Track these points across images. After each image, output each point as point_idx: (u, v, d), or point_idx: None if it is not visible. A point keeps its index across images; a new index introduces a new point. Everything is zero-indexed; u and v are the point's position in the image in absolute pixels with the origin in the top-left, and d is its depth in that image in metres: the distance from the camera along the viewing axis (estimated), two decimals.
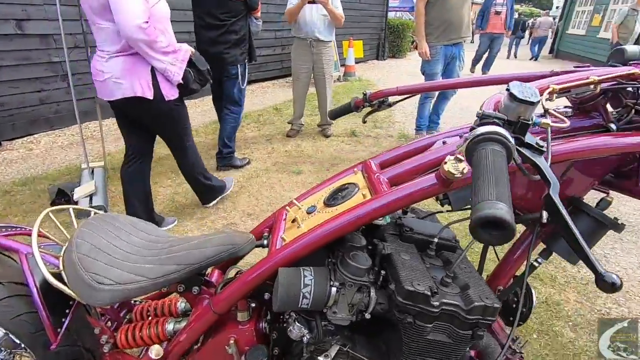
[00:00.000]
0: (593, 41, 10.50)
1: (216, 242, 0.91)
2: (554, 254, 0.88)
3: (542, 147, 0.56)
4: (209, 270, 1.11)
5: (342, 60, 7.20)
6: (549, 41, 13.04)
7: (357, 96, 1.15)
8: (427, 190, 0.75)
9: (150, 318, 1.05)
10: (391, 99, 1.13)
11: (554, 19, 15.15)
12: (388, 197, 0.77)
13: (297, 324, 0.86)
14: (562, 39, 12.69)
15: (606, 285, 0.47)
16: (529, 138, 0.56)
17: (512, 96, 0.55)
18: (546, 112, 0.62)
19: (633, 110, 0.82)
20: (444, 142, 0.93)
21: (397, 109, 4.93)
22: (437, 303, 0.72)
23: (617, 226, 0.79)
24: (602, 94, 0.81)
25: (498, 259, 1.03)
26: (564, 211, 0.51)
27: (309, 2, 3.22)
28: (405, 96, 1.10)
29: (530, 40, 13.44)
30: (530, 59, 12.00)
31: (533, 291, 0.96)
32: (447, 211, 1.10)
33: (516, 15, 9.49)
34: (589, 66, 0.88)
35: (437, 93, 3.62)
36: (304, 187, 2.76)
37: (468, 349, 0.83)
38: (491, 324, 0.75)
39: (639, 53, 0.84)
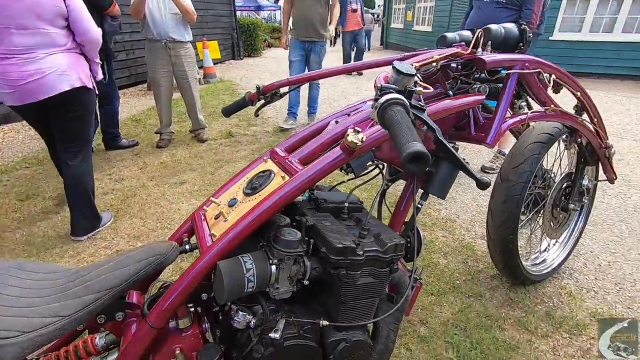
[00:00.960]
0: (410, 33, 12.80)
1: (138, 257, 0.86)
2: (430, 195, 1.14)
3: (423, 105, 0.75)
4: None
5: (199, 62, 6.92)
6: (375, 34, 15.43)
7: (249, 91, 1.20)
8: (336, 161, 0.88)
9: None
10: (282, 89, 1.22)
11: (375, 15, 18.55)
12: (304, 174, 0.87)
13: (241, 312, 0.89)
14: (388, 32, 15.04)
15: (482, 184, 0.71)
16: (413, 101, 0.74)
17: (398, 71, 0.71)
18: (416, 84, 0.82)
19: (459, 81, 1.12)
20: (336, 122, 1.08)
21: (266, 106, 5.06)
22: (361, 252, 0.87)
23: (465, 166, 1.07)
24: (439, 70, 1.08)
25: (390, 211, 1.26)
26: (449, 145, 0.72)
27: None
28: (295, 86, 1.21)
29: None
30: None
31: (420, 231, 1.22)
32: (342, 182, 1.27)
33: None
34: (427, 49, 1.15)
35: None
36: (192, 196, 2.64)
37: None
38: (400, 257, 0.94)
39: (456, 38, 1.15)
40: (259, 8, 20.05)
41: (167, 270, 1.82)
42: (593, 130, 1.39)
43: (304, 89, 4.35)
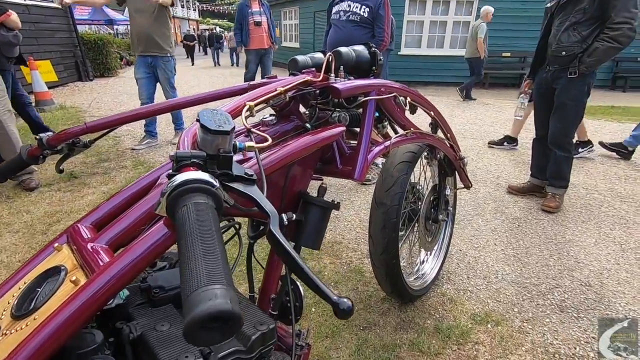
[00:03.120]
0: (280, 50, 13.10)
1: None
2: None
3: (252, 175, 0.54)
4: None
5: (28, 87, 5.57)
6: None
7: (29, 144, 0.83)
8: (160, 244, 0.61)
9: None
10: (88, 137, 0.88)
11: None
12: (112, 271, 0.58)
13: None
14: None
15: (342, 311, 0.45)
16: (236, 169, 0.53)
17: (204, 128, 0.49)
18: (249, 132, 0.61)
19: (317, 109, 0.98)
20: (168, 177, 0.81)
21: (124, 134, 4.33)
22: None
23: (336, 205, 0.93)
24: (291, 101, 0.92)
25: (263, 267, 1.04)
26: (286, 245, 0.48)
27: None
28: (104, 132, 0.89)
29: (229, 50, 16.71)
30: (232, 65, 14.81)
31: (299, 284, 1.03)
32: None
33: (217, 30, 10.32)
34: (275, 76, 0.98)
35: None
36: (9, 271, 1.95)
37: None
38: (273, 346, 0.73)
39: (308, 62, 1.01)
40: (110, 22, 17.77)
41: None
42: (448, 145, 1.44)
43: (158, 99, 3.93)
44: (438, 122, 1.37)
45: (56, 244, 0.71)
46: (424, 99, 1.23)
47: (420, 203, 1.60)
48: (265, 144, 0.59)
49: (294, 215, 0.90)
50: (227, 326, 0.31)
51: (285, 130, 0.93)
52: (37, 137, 0.81)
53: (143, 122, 3.87)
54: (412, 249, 1.71)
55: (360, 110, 1.03)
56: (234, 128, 0.51)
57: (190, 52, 16.54)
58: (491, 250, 2.15)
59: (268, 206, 0.51)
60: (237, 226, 0.84)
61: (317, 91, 0.96)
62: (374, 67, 1.05)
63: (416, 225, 1.61)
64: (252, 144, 0.56)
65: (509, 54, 9.11)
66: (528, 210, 2.65)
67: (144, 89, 3.76)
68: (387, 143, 1.06)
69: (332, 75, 0.94)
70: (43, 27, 7.31)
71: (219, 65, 15.44)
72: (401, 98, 1.09)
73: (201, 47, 22.53)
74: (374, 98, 0.97)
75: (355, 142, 0.99)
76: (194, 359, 0.59)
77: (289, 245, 0.47)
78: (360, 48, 1.06)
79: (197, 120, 0.50)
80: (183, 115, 4.23)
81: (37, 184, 2.95)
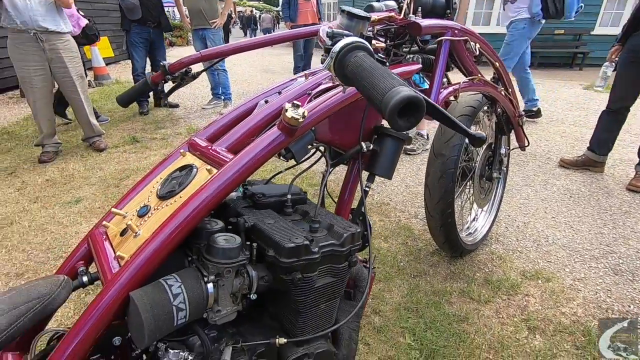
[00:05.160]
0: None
1: (4, 307, 0.59)
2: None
3: (384, 59, 0.63)
4: None
5: (88, 63, 5.99)
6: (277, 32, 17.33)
7: (152, 72, 0.97)
8: (275, 144, 0.73)
9: None
10: (195, 68, 1.01)
11: (277, 13, 21.19)
12: (237, 164, 0.70)
13: (172, 350, 0.68)
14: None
15: (477, 140, 0.61)
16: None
17: (350, 15, 0.58)
18: (369, 38, 0.70)
19: (391, 52, 1.05)
20: (266, 102, 0.92)
21: (175, 109, 4.61)
22: (316, 249, 0.73)
23: (409, 139, 1.01)
24: (373, 37, 0.99)
25: (333, 200, 1.14)
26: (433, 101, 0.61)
27: None
28: (209, 65, 1.01)
29: (261, 31, 18.33)
30: None
31: (368, 217, 1.13)
32: (279, 173, 1.12)
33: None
34: None
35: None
36: (93, 215, 2.20)
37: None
38: (358, 248, 0.83)
39: (382, 7, 1.08)
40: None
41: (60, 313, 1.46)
42: (508, 100, 1.46)
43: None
44: (501, 75, 1.39)
45: (181, 151, 0.84)
46: (491, 49, 1.26)
47: (476, 162, 1.63)
48: (382, 44, 0.67)
49: (371, 145, 0.99)
50: (416, 112, 0.40)
51: None
52: (162, 63, 0.94)
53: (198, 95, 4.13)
54: (465, 205, 1.75)
55: (432, 56, 1.09)
56: (370, 17, 0.61)
57: (226, 33, 17.14)
58: (541, 217, 2.14)
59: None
60: (321, 149, 0.94)
61: (391, 35, 1.03)
62: (448, 11, 1.10)
63: (470, 181, 1.65)
64: (375, 43, 0.65)
65: (562, 32, 8.53)
66: (581, 182, 2.58)
67: None
68: (457, 86, 1.11)
69: (411, 15, 1.00)
70: (99, 6, 7.76)
71: None
72: (472, 44, 1.13)
73: (241, 29, 22.93)
74: (449, 39, 1.02)
75: None
76: (302, 240, 0.71)
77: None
78: None
79: (341, 11, 0.59)
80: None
81: (105, 146, 3.24)
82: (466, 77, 1.20)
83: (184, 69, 0.98)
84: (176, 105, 4.56)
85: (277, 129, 0.73)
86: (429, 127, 3.30)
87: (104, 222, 0.78)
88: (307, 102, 0.81)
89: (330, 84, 0.88)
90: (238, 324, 0.80)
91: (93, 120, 3.18)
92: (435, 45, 1.04)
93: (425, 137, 3.17)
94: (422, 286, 1.59)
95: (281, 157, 0.84)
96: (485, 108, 1.53)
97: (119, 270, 0.62)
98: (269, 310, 0.83)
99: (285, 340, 0.75)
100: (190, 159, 0.81)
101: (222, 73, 4.37)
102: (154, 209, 0.72)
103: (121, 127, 3.87)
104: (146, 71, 4.21)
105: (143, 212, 0.73)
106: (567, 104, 4.85)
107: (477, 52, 1.15)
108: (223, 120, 0.91)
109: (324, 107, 0.78)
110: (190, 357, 0.69)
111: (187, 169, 0.77)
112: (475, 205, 1.80)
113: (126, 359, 0.74)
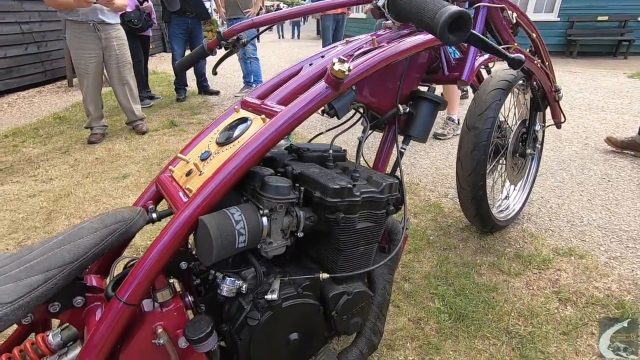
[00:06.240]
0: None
1: (94, 226, 0.70)
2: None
3: None
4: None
5: None
6: (304, 25, 17.87)
7: (208, 38, 1.06)
8: (323, 96, 0.80)
9: None
10: (244, 37, 1.10)
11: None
12: (289, 112, 0.78)
13: (228, 278, 0.78)
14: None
15: (516, 62, 0.69)
16: None
17: None
18: None
19: None
20: (310, 65, 0.99)
21: (210, 96, 4.81)
22: (358, 193, 0.80)
23: (445, 102, 1.05)
24: None
25: (368, 165, 1.21)
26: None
27: None
28: (262, 30, 1.10)
29: (290, 24, 19.51)
30: (292, 38, 16.77)
31: (403, 179, 1.18)
32: (320, 134, 1.20)
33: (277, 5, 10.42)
34: None
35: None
36: (139, 189, 2.38)
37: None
38: (396, 198, 0.89)
39: None
40: None
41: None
42: (544, 73, 1.46)
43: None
44: (538, 47, 1.39)
45: (235, 107, 0.93)
46: (528, 19, 1.27)
47: (509, 138, 1.64)
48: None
49: (408, 108, 1.05)
50: (463, 26, 0.47)
51: (404, 34, 1.06)
52: (217, 30, 1.04)
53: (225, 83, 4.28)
54: (498, 181, 1.76)
55: None
56: None
57: None
58: (576, 200, 2.10)
59: None
60: (361, 109, 1.00)
61: None
62: None
63: (503, 158, 1.66)
64: None
65: (605, 18, 8.06)
66: (621, 168, 2.49)
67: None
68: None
69: None
70: None
71: (282, 37, 17.31)
72: (509, 12, 1.15)
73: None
74: (486, 5, 1.05)
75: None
76: (346, 183, 0.78)
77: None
78: None
79: None
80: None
81: (147, 129, 3.45)
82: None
83: (237, 36, 1.07)
84: (217, 92, 4.82)
85: (324, 83, 0.80)
86: (460, 114, 3.27)
87: (170, 167, 0.88)
88: (352, 61, 0.88)
89: (371, 47, 0.94)
90: (284, 265, 0.89)
91: (137, 105, 3.39)
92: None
93: (456, 122, 3.15)
94: (451, 258, 1.63)
95: (325, 114, 0.92)
96: (521, 82, 1.53)
97: (190, 198, 0.71)
98: (311, 253, 0.91)
99: (328, 275, 0.83)
100: (244, 113, 0.89)
101: (254, 61, 4.50)
102: (215, 154, 0.81)
103: (160, 113, 4.08)
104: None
105: (205, 157, 0.82)
106: (609, 92, 4.62)
107: (514, 21, 1.17)
108: (271, 81, 0.99)
109: (367, 64, 0.84)
110: (244, 285, 0.78)
111: (242, 120, 0.86)
112: (507, 183, 1.80)
113: (189, 285, 0.85)
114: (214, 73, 1.17)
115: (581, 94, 4.66)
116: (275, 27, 22.01)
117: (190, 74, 4.76)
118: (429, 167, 2.59)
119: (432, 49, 1.10)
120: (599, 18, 8.06)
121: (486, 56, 1.13)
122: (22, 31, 5.09)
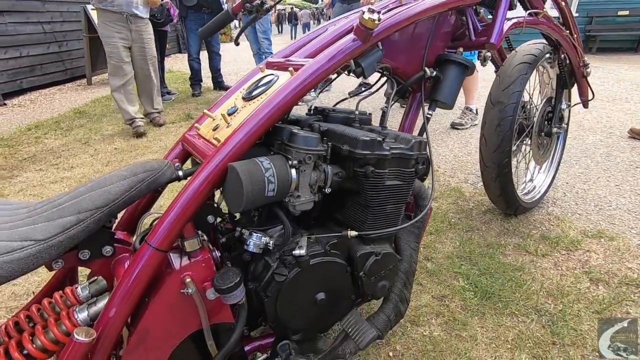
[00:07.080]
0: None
1: (124, 174, 0.70)
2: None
3: None
4: None
5: None
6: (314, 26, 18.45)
7: (232, 2, 1.06)
8: (351, 49, 0.78)
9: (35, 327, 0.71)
10: (268, 3, 1.09)
11: (315, 9, 23.91)
12: (317, 63, 0.76)
13: (255, 234, 0.77)
14: None
15: None
16: None
17: None
18: None
19: None
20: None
21: (225, 92, 4.84)
22: (388, 147, 0.78)
23: (473, 67, 1.02)
24: None
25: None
26: None
27: None
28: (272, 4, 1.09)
29: (302, 25, 20.97)
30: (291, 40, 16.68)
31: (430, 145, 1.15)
32: (344, 99, 1.18)
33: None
34: None
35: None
36: None
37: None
38: (425, 157, 0.87)
39: None
40: None
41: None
42: (572, 46, 1.41)
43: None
44: (566, 17, 1.35)
45: (260, 67, 0.92)
46: None
47: (534, 117, 1.59)
48: None
49: (434, 72, 1.02)
50: None
51: None
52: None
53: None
54: (522, 163, 1.71)
55: None
56: None
57: None
58: (603, 185, 2.03)
59: None
60: (387, 72, 0.98)
61: None
62: None
63: (528, 138, 1.61)
64: None
65: (626, 12, 7.83)
66: None
67: (253, 42, 4.41)
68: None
69: None
70: None
71: (295, 39, 17.27)
72: None
73: (277, 26, 24.11)
74: None
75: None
76: (375, 135, 0.76)
77: None
78: None
79: None
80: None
81: (164, 121, 3.49)
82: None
83: (260, 1, 1.06)
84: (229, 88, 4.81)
85: (352, 35, 0.79)
86: (478, 104, 3.21)
87: (196, 125, 0.88)
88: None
89: (398, 4, 0.92)
90: (310, 227, 0.87)
91: (158, 98, 3.45)
92: None
93: (475, 112, 3.10)
94: (474, 239, 1.59)
95: (351, 74, 0.90)
96: (547, 56, 1.48)
97: (219, 146, 0.70)
98: (337, 220, 0.89)
99: (356, 233, 0.81)
100: (269, 72, 0.89)
101: (269, 56, 4.51)
102: (242, 108, 0.81)
103: (176, 107, 4.13)
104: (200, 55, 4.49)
105: (232, 111, 0.81)
106: (633, 84, 4.49)
107: None
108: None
109: (397, 18, 0.82)
110: (271, 242, 0.77)
111: (269, 77, 0.85)
112: (533, 163, 1.75)
113: (215, 242, 0.84)
114: (237, 44, 1.16)
115: (603, 86, 4.52)
116: (290, 28, 22.45)
117: (205, 70, 4.81)
118: (448, 155, 2.55)
119: (458, 15, 1.07)
120: (620, 12, 7.84)
121: (514, 20, 1.10)
122: (44, 31, 5.24)
